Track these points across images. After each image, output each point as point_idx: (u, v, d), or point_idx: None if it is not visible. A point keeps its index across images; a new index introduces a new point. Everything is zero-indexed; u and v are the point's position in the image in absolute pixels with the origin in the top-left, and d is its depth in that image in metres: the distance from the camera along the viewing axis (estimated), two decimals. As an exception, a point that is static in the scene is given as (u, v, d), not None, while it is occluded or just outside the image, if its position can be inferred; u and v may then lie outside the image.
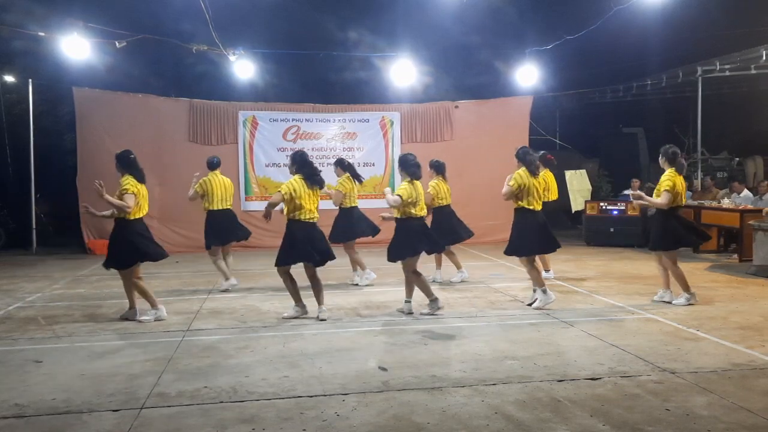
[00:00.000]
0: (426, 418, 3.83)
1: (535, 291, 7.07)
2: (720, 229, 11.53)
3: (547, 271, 8.62)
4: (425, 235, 6.71)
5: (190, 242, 11.84)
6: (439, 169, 8.43)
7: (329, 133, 13.21)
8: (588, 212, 12.94)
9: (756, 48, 11.28)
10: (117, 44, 10.88)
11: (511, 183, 6.74)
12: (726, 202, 11.29)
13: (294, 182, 6.28)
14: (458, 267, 8.68)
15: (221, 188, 8.22)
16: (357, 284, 8.44)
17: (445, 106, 13.57)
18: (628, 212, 12.41)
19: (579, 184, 13.47)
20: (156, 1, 12.52)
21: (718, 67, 12.34)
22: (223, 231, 8.24)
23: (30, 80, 12.21)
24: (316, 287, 6.52)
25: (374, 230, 8.63)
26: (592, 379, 4.52)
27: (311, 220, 6.38)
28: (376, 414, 3.91)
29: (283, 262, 6.38)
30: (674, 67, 13.25)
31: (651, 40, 14.48)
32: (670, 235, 6.90)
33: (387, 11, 15.19)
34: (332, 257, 6.48)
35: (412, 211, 6.53)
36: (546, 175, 8.24)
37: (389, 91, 13.76)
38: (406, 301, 6.76)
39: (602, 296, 7.56)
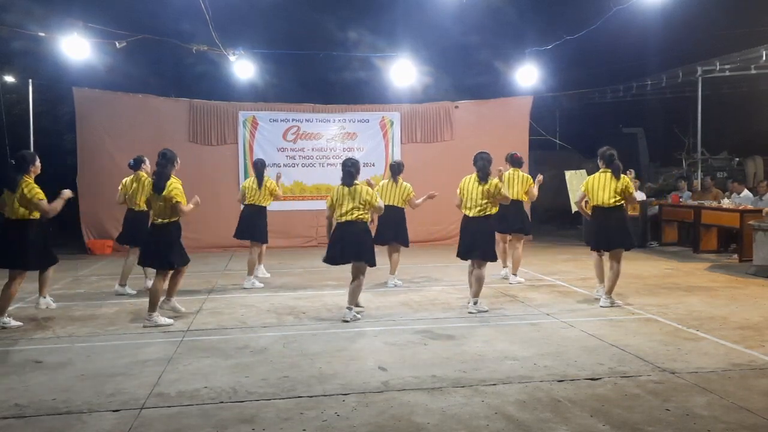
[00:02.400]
0: (426, 418, 3.83)
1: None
2: (720, 229, 11.53)
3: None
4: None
5: (189, 242, 11.77)
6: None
7: (329, 134, 13.19)
8: (588, 212, 12.91)
9: (756, 48, 11.26)
10: (117, 44, 10.88)
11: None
12: (726, 202, 11.28)
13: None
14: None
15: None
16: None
17: (445, 107, 13.56)
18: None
19: (579, 184, 13.44)
20: (156, 1, 12.54)
21: (718, 67, 12.32)
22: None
23: (30, 80, 12.19)
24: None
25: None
26: (592, 379, 4.52)
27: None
28: (376, 414, 3.91)
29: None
30: (674, 67, 13.23)
31: (651, 40, 14.49)
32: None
33: (387, 11, 15.22)
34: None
35: None
36: (515, 174, 8.51)
37: (389, 91, 13.75)
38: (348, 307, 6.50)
39: (602, 296, 7.55)
